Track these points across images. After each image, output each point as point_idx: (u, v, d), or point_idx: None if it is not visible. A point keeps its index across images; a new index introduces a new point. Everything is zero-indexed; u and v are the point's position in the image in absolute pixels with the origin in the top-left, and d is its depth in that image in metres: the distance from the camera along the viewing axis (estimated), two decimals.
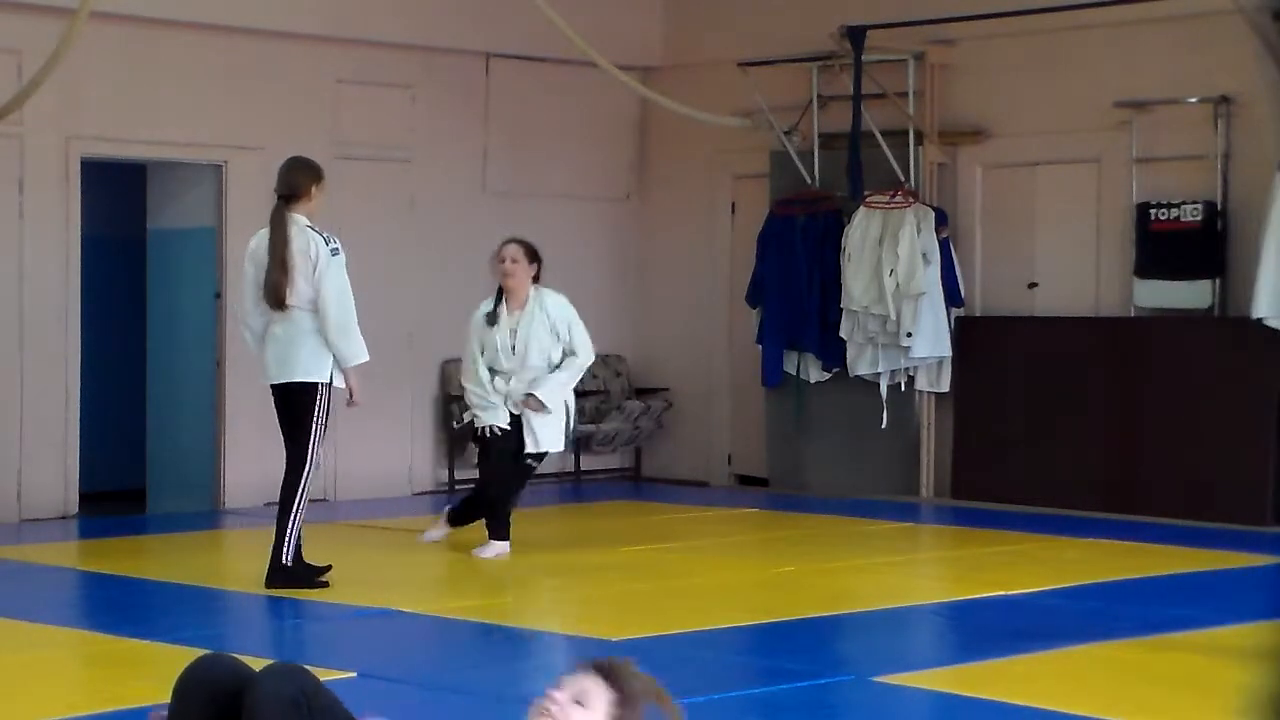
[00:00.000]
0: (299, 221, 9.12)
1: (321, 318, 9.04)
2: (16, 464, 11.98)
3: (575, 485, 14.43)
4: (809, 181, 13.69)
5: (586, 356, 10.48)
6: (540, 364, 10.35)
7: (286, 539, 9.06)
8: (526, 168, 14.18)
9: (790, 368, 13.67)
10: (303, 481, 9.08)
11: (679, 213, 14.79)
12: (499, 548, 10.29)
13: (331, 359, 9.10)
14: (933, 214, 13.06)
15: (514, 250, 10.42)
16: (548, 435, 10.39)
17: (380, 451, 13.43)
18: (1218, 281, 12.16)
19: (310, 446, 9.10)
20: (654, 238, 14.99)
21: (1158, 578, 9.69)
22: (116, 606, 8.89)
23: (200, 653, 4.94)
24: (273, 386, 9.23)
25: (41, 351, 12.04)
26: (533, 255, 10.41)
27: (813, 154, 13.68)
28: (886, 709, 6.72)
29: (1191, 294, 12.24)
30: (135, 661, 7.37)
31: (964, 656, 7.73)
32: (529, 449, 10.38)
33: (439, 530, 10.64)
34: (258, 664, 4.79)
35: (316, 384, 9.09)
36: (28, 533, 11.52)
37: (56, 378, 12.12)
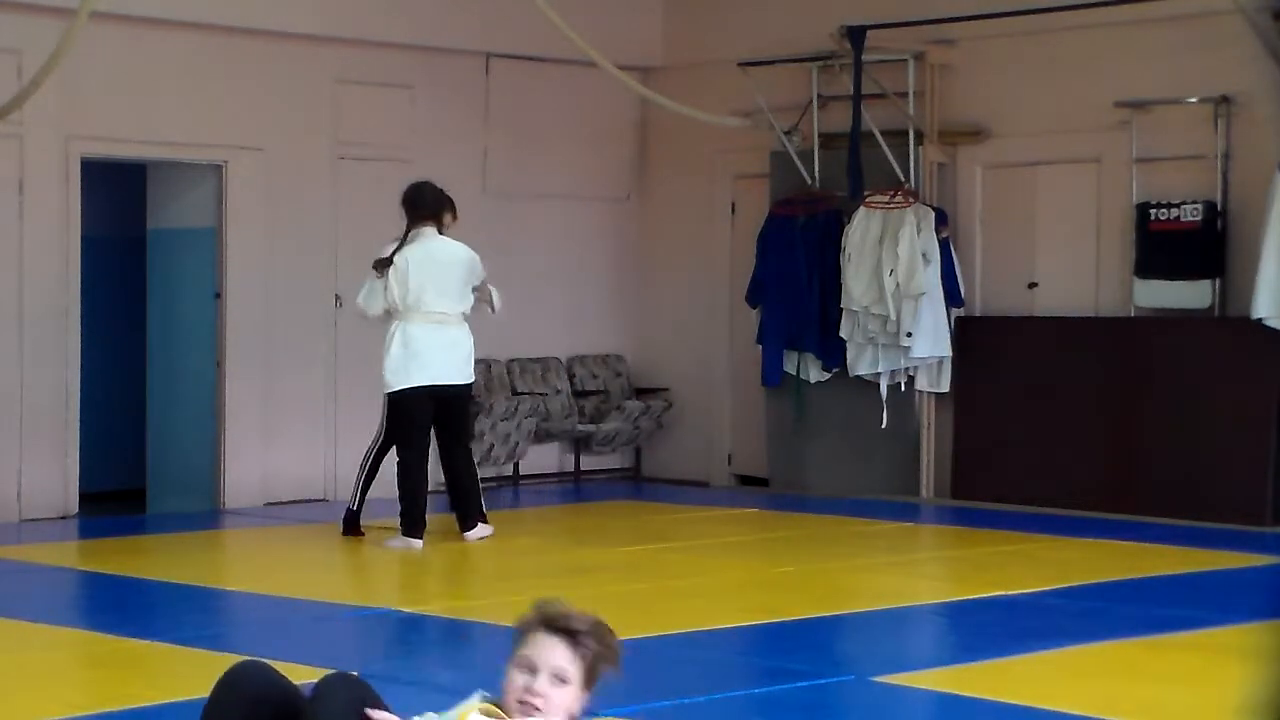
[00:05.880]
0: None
1: None
2: (16, 464, 11.97)
3: (575, 485, 14.42)
4: (809, 181, 13.68)
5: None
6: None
7: (354, 490, 10.91)
8: (526, 168, 14.18)
9: (790, 368, 13.66)
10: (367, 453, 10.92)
11: (679, 213, 14.78)
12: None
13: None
14: (933, 214, 13.06)
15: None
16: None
17: None
18: (1218, 281, 12.15)
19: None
20: (654, 238, 14.99)
21: (1158, 578, 9.69)
22: (116, 606, 8.89)
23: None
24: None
25: (41, 351, 12.03)
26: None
27: (813, 154, 13.67)
28: (886, 709, 6.72)
29: (1191, 294, 12.23)
30: (135, 661, 7.37)
31: (964, 656, 7.72)
32: None
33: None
34: (283, 669, 4.74)
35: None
36: (28, 533, 11.51)
37: (56, 378, 12.11)
